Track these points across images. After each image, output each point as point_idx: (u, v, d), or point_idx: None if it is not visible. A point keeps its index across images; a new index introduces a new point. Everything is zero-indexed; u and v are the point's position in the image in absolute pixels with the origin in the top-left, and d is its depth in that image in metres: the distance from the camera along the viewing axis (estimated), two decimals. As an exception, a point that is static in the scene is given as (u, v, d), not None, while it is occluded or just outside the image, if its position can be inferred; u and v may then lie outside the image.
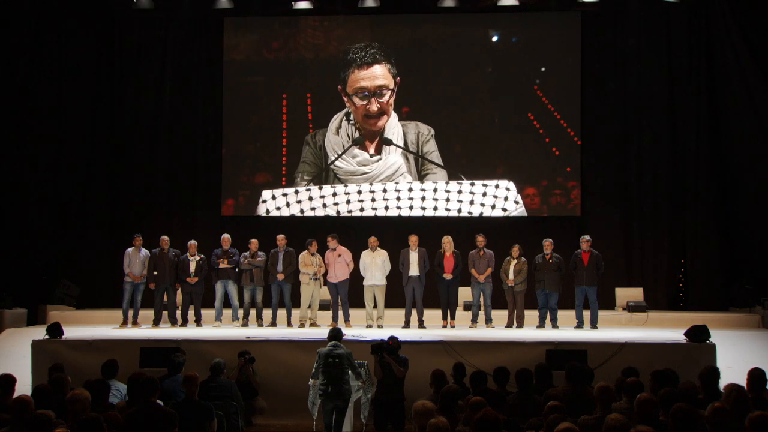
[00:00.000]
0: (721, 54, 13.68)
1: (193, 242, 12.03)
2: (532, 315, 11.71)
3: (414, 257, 11.67)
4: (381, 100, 14.16)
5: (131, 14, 14.42)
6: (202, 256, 11.97)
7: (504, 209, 14.04)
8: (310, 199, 14.23)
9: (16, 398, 5.77)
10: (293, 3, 14.06)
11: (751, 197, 13.49)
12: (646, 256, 14.13)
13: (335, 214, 14.14)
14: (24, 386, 7.85)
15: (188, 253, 11.94)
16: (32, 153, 13.97)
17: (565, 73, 14.15)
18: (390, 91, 14.18)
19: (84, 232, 14.41)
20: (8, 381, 6.26)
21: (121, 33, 14.76)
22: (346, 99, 14.28)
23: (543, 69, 14.18)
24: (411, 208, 14.12)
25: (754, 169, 13.43)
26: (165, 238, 12.00)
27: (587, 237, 11.83)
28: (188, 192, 14.75)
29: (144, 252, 11.93)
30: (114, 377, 7.44)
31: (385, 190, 14.12)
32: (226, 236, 12.11)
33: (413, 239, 11.77)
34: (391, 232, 13.18)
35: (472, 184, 14.07)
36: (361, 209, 14.16)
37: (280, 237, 11.98)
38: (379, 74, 14.24)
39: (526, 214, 14.02)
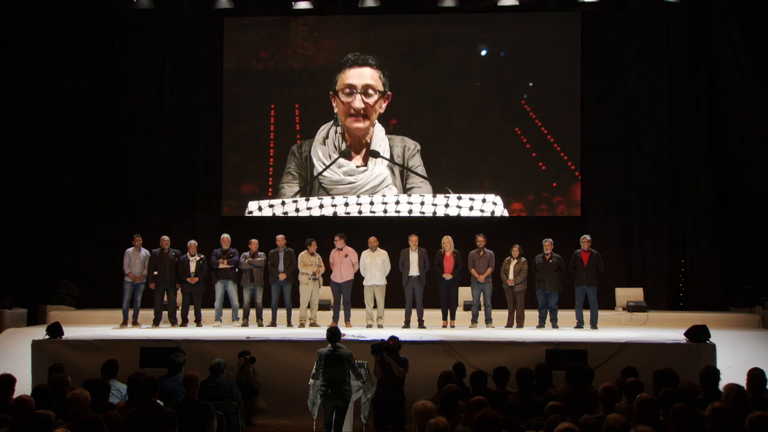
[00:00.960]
0: (721, 54, 13.69)
1: (193, 242, 12.03)
2: (532, 315, 11.71)
3: (414, 257, 11.67)
4: (366, 100, 14.14)
5: (131, 14, 14.41)
6: (202, 256, 11.97)
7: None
8: (297, 210, 14.20)
9: (16, 398, 5.78)
10: (293, 3, 14.06)
11: (751, 197, 13.49)
12: (646, 256, 14.13)
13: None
14: (24, 386, 7.85)
15: (188, 253, 11.93)
16: (32, 153, 13.99)
17: (565, 73, 14.14)
18: (377, 93, 14.16)
19: (84, 232, 14.41)
20: (8, 381, 6.27)
21: (121, 33, 14.75)
22: (334, 102, 14.27)
23: (531, 84, 14.15)
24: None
25: (754, 169, 13.43)
26: (165, 238, 12.00)
27: (588, 237, 11.83)
28: (188, 192, 14.74)
29: (144, 252, 11.93)
30: (114, 377, 7.44)
31: (372, 203, 14.11)
32: (225, 236, 12.11)
33: (413, 239, 11.77)
34: (391, 232, 13.16)
35: (459, 198, 14.07)
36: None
37: (280, 237, 11.98)
38: (368, 75, 14.25)
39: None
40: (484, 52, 14.41)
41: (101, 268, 14.26)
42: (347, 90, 14.21)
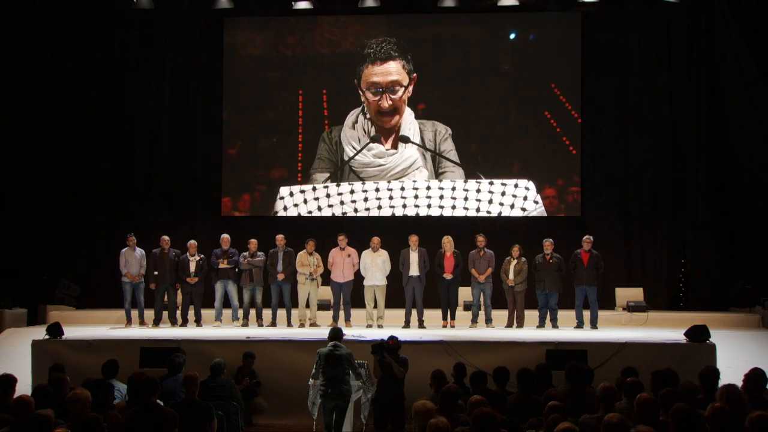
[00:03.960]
0: (721, 54, 13.68)
1: (193, 242, 12.03)
2: (532, 315, 11.71)
3: (414, 257, 11.67)
4: (393, 97, 14.14)
5: (131, 14, 14.41)
6: (202, 256, 11.97)
7: (523, 209, 13.99)
8: (328, 196, 14.23)
9: (16, 398, 5.78)
10: (293, 3, 14.06)
11: (751, 197, 13.49)
12: (646, 256, 14.12)
13: (353, 212, 14.13)
14: (24, 386, 7.84)
15: (188, 253, 11.93)
16: (32, 153, 13.98)
17: (565, 73, 14.13)
18: (403, 88, 14.16)
19: (84, 231, 14.40)
20: (9, 381, 6.26)
21: (121, 33, 14.76)
22: (361, 93, 14.29)
23: (560, 68, 14.08)
24: (429, 206, 14.07)
25: (755, 169, 13.43)
26: (165, 238, 12.00)
27: (590, 237, 11.82)
28: (188, 192, 14.73)
29: (139, 251, 11.92)
30: (114, 377, 7.44)
31: (402, 188, 14.10)
32: (225, 236, 12.11)
33: (413, 239, 11.77)
34: (392, 232, 13.15)
35: (491, 183, 14.04)
36: (379, 207, 14.13)
37: (279, 237, 11.98)
38: (392, 70, 14.22)
39: (545, 215, 13.97)
40: (512, 36, 14.37)
41: (101, 268, 14.25)
42: (372, 89, 14.20)
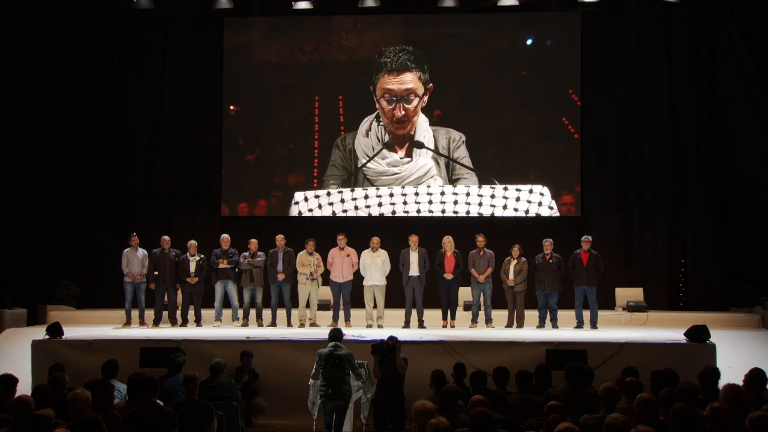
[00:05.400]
0: (721, 54, 13.69)
1: (193, 242, 12.03)
2: (532, 315, 11.71)
3: (414, 257, 11.67)
4: (407, 106, 14.11)
5: (131, 14, 14.41)
6: (202, 256, 11.97)
7: (538, 214, 13.97)
8: (342, 201, 14.22)
9: (16, 398, 5.78)
10: (293, 3, 14.07)
11: (750, 197, 13.50)
12: (646, 256, 14.12)
13: (367, 217, 14.12)
14: (24, 386, 7.83)
15: (188, 253, 11.94)
16: (32, 153, 13.99)
17: (565, 73, 14.13)
18: (418, 98, 14.11)
19: (84, 232, 14.40)
20: (10, 381, 6.26)
21: (121, 33, 14.75)
22: (375, 101, 14.28)
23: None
24: (443, 211, 14.04)
25: (754, 169, 13.43)
26: (166, 238, 12.00)
27: (589, 237, 11.83)
28: (188, 192, 14.73)
29: (141, 251, 11.93)
30: (114, 377, 7.43)
31: (417, 193, 14.08)
32: (225, 236, 12.11)
33: (413, 239, 11.77)
34: (392, 232, 13.14)
35: (506, 189, 14.02)
36: (393, 212, 14.12)
37: (279, 237, 11.98)
38: (408, 80, 14.19)
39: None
40: (529, 42, 14.36)
41: (101, 268, 14.24)
42: (387, 96, 14.17)
